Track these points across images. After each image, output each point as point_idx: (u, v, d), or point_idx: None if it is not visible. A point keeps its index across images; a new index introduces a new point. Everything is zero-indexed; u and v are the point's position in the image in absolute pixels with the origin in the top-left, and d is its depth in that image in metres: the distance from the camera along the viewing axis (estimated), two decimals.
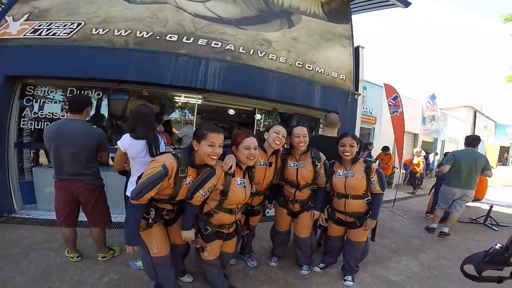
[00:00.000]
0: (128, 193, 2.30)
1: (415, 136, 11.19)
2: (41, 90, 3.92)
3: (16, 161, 3.81)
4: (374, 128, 9.04)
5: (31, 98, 3.86)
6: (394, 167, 8.65)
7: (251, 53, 4.38)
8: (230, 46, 4.26)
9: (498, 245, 0.85)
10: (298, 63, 4.79)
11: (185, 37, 4.05)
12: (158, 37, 3.95)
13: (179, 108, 4.82)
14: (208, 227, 2.06)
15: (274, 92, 4.46)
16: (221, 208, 2.05)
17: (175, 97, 4.60)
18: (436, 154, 11.99)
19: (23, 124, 3.83)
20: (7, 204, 3.70)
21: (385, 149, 7.98)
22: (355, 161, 2.55)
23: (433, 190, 5.64)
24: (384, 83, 7.10)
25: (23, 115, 3.83)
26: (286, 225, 2.87)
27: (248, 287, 2.55)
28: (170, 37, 3.99)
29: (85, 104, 2.56)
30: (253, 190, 2.28)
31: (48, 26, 3.76)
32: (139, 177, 1.95)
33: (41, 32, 3.74)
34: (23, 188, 3.88)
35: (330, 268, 2.98)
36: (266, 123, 5.52)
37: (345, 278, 2.73)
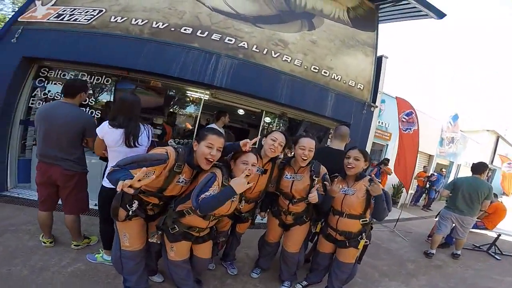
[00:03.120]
0: (104, 183, 2.15)
1: (430, 157, 10.41)
2: (55, 73, 3.82)
3: (19, 138, 3.71)
4: (387, 144, 8.42)
5: (44, 80, 3.78)
6: (402, 187, 8.09)
7: (264, 52, 4.10)
8: (244, 44, 3.99)
9: None
10: (314, 68, 4.45)
11: (199, 31, 3.84)
12: (173, 29, 3.77)
13: (186, 102, 4.61)
14: (175, 225, 1.88)
15: (284, 96, 4.14)
16: (196, 211, 1.82)
17: (182, 91, 4.39)
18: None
19: (31, 103, 3.74)
20: (1, 182, 3.58)
21: (386, 162, 7.08)
22: (359, 179, 2.26)
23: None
24: (396, 96, 6.33)
25: (33, 94, 3.75)
26: (276, 236, 2.61)
27: None
28: (185, 29, 3.80)
29: (79, 90, 2.41)
30: (241, 206, 2.10)
31: (71, 11, 3.70)
32: None
33: (63, 17, 3.68)
34: (20, 166, 3.76)
35: (313, 287, 2.68)
36: (273, 126, 5.19)
37: None
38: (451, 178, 12.15)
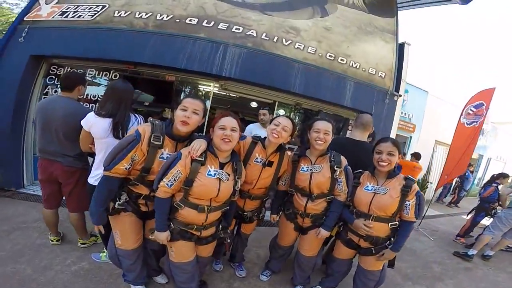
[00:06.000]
0: (90, 180, 1.85)
1: None
2: (64, 70, 3.64)
3: (33, 136, 3.55)
4: (411, 136, 7.52)
5: (54, 77, 3.62)
6: (429, 182, 7.21)
7: (274, 40, 3.64)
8: (252, 32, 3.57)
9: None
10: (330, 55, 3.91)
11: (205, 21, 3.48)
12: (177, 20, 3.45)
13: (195, 95, 4.24)
14: (171, 222, 1.57)
15: (298, 85, 3.65)
16: (186, 202, 1.51)
17: (191, 83, 4.03)
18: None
19: None
20: (17, 178, 3.43)
21: (417, 156, 5.91)
22: (392, 176, 1.76)
23: (473, 212, 4.48)
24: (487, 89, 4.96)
25: (45, 92, 3.59)
26: (291, 240, 2.17)
27: None
28: (190, 20, 3.46)
29: (76, 82, 2.17)
30: (237, 187, 1.66)
31: (75, 8, 3.56)
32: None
33: (68, 15, 3.54)
34: (36, 163, 3.62)
35: None
36: None
37: None
38: (480, 172, 10.89)
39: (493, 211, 4.17)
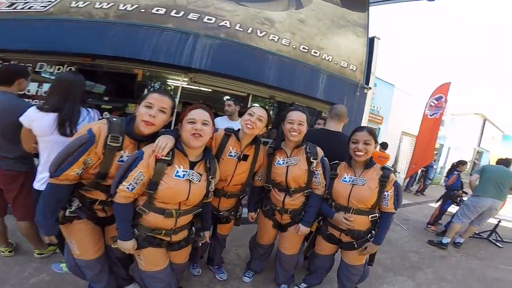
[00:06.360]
0: (35, 185, 1.60)
1: None
2: None
3: None
4: (379, 128, 7.83)
5: None
6: (396, 171, 7.56)
7: (249, 31, 3.49)
8: (226, 23, 3.38)
9: None
10: (303, 48, 3.86)
11: (174, 11, 3.24)
12: (143, 10, 3.17)
13: (163, 90, 3.91)
14: (134, 229, 1.36)
15: (271, 77, 3.54)
16: (151, 207, 1.31)
17: (157, 76, 3.76)
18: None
19: None
20: None
21: (384, 146, 6.36)
22: (369, 166, 1.72)
23: (440, 201, 4.78)
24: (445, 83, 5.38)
25: None
26: (270, 238, 2.07)
27: None
28: (157, 10, 3.20)
29: (16, 75, 1.87)
30: (211, 188, 1.50)
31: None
32: None
33: (17, 6, 3.16)
34: None
35: None
36: None
37: None
38: (441, 161, 11.69)
39: (458, 198, 4.44)
